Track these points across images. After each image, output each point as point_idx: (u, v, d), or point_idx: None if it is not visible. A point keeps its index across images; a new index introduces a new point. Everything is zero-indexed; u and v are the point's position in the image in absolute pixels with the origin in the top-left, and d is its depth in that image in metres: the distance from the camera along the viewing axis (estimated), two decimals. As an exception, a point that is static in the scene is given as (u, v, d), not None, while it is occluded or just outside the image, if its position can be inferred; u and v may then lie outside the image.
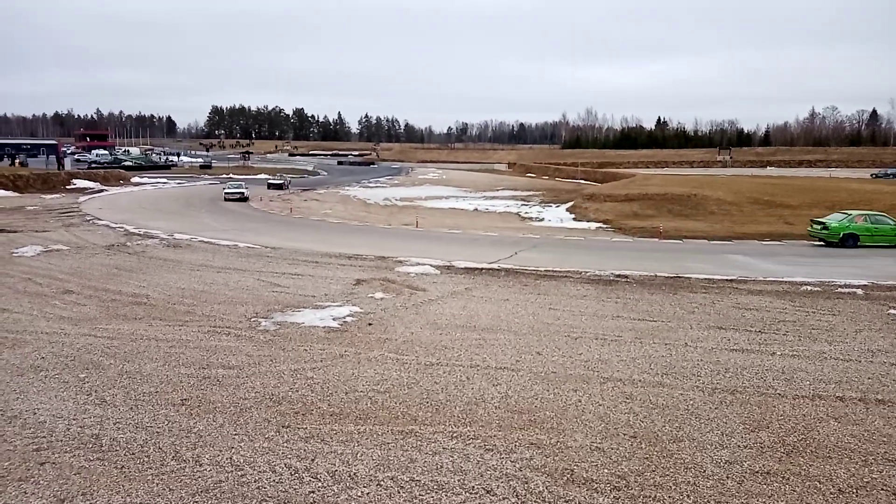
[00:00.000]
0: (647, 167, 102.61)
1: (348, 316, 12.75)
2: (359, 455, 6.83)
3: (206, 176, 69.57)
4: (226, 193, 43.32)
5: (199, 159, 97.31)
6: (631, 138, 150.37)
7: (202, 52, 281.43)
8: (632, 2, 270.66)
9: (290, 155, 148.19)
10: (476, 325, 12.27)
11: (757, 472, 6.54)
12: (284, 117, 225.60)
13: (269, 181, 55.23)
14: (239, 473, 6.39)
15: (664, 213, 34.68)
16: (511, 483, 6.26)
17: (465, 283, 16.42)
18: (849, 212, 26.02)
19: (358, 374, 9.44)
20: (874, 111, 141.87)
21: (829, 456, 6.89)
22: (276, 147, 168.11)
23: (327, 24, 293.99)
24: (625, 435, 7.44)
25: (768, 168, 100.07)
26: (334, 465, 6.59)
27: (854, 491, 6.16)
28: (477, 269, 18.64)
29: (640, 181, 52.83)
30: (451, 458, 6.78)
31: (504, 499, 5.98)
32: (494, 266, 19.14)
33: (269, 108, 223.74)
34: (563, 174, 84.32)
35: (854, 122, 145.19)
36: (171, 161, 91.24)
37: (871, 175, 74.45)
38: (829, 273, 17.99)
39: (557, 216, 37.32)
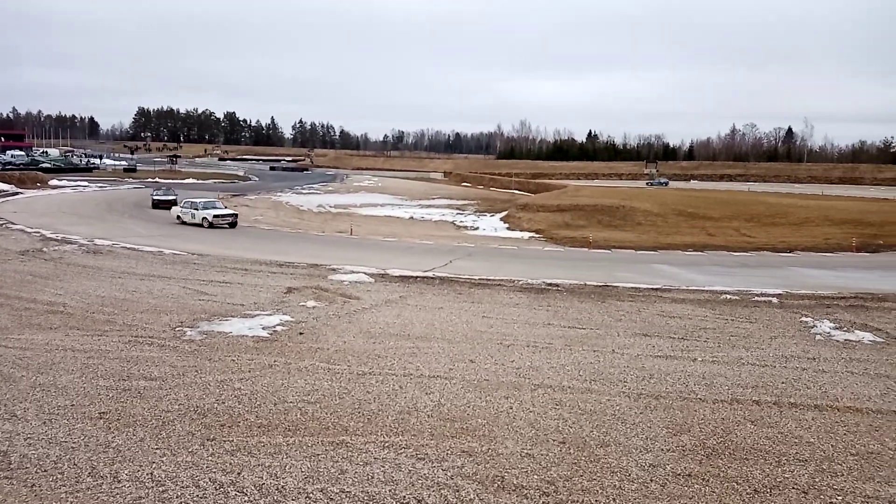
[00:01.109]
0: (579, 179, 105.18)
1: (278, 325, 12.49)
2: (287, 467, 6.69)
3: (131, 179, 66.85)
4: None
5: (123, 162, 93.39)
6: (563, 150, 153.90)
7: (130, 53, 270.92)
8: (566, 18, 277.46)
9: (221, 159, 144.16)
10: (410, 334, 12.24)
11: (679, 474, 6.77)
12: (215, 121, 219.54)
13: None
14: (160, 489, 6.14)
15: (594, 224, 35.60)
16: (442, 492, 6.26)
17: (399, 292, 16.37)
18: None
19: (288, 384, 9.25)
20: (790, 129, 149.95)
21: (745, 458, 7.21)
22: (206, 151, 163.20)
23: (262, 29, 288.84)
24: (554, 441, 7.57)
25: (692, 181, 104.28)
26: (262, 478, 6.43)
27: (768, 490, 6.46)
28: (412, 277, 18.62)
29: (571, 192, 54.13)
30: (382, 469, 6.72)
31: (435, 508, 5.98)
32: (429, 274, 19.17)
33: (200, 111, 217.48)
34: (497, 184, 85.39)
35: (772, 138, 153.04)
36: (93, 163, 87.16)
37: (647, 184, 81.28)
38: (747, 283, 18.86)
39: (492, 225, 37.76)
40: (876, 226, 36.37)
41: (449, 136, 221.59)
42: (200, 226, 30.14)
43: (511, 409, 8.57)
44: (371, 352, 10.95)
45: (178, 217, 31.87)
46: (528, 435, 7.72)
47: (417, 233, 32.73)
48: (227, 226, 30.46)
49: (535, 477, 6.64)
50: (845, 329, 13.19)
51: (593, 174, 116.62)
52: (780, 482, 6.63)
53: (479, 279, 18.61)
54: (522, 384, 9.56)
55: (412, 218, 41.93)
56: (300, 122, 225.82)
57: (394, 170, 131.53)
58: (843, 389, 9.57)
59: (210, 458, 6.85)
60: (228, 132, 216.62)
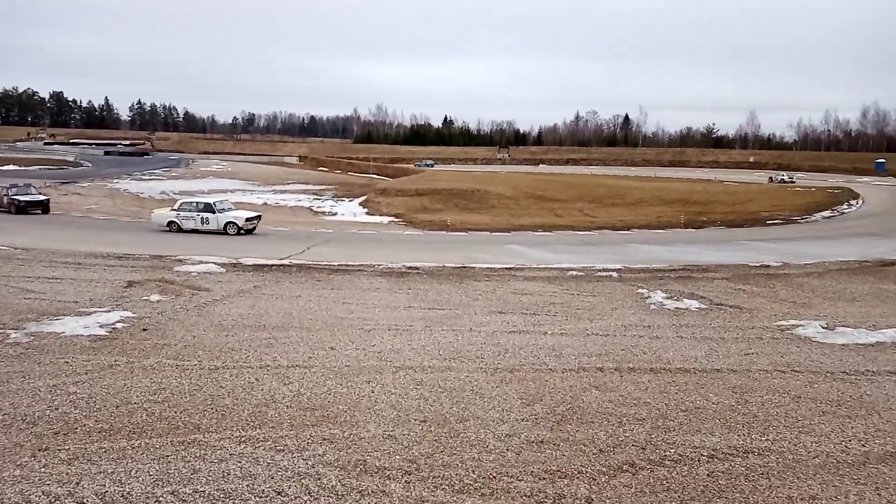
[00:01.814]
0: (436, 163, 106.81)
1: (119, 322, 11.57)
2: (133, 472, 6.23)
3: (-66, 166, 58.78)
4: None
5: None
6: (420, 135, 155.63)
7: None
8: (422, 4, 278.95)
9: (47, 144, 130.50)
10: (266, 324, 11.84)
11: (532, 441, 7.13)
12: (39, 101, 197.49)
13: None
14: (-19, 511, 5.49)
15: (451, 207, 36.41)
16: (303, 481, 6.14)
17: (253, 281, 15.77)
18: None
19: (131, 384, 8.61)
20: (626, 116, 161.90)
21: (591, 421, 7.72)
22: (29, 134, 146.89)
23: (93, 1, 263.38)
24: (416, 420, 7.67)
25: (541, 165, 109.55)
26: (104, 486, 5.94)
27: (611, 449, 6.98)
28: (267, 265, 18.00)
29: (429, 177, 54.88)
30: (238, 464, 6.46)
31: (296, 498, 5.85)
32: (285, 262, 18.64)
33: (20, 90, 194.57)
34: (355, 168, 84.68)
35: (611, 125, 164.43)
36: None
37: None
38: (591, 259, 20.18)
39: (350, 210, 37.42)
40: (701, 204, 40.35)
41: (304, 119, 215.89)
42: (216, 233, 24.79)
43: (373, 392, 8.56)
44: (224, 345, 10.47)
45: (173, 223, 25.51)
46: (389, 417, 7.76)
47: (272, 219, 31.66)
48: (249, 230, 25.42)
49: (398, 457, 6.70)
50: (675, 298, 14.49)
51: (449, 158, 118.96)
52: (622, 441, 7.18)
53: (339, 265, 18.38)
54: (384, 367, 9.58)
55: (266, 204, 40.49)
56: (139, 103, 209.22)
57: (245, 154, 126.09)
58: (674, 353, 10.52)
59: (43, 469, 6.22)
60: (56, 114, 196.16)
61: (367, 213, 35.73)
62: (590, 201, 41.00)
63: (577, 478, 6.35)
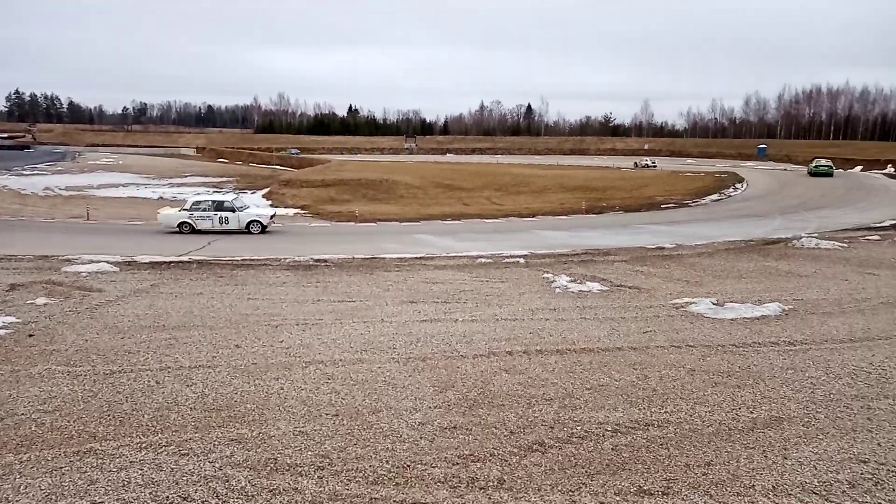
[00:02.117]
0: (342, 153, 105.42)
1: (1, 328, 10.71)
2: (22, 488, 5.81)
3: None
4: None
5: None
6: (325, 124, 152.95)
7: None
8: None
9: None
10: (165, 324, 11.30)
11: (445, 427, 7.20)
12: None
13: None
14: None
15: (359, 198, 36.03)
16: (210, 484, 5.92)
17: (150, 280, 15.01)
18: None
19: (17, 394, 8.00)
20: (529, 106, 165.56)
21: (502, 404, 7.89)
22: None
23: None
24: (327, 415, 7.56)
25: (448, 154, 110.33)
26: (-13, 506, 5.50)
27: (522, 430, 7.16)
28: (164, 262, 17.18)
29: (335, 167, 54.06)
30: (140, 471, 6.15)
31: (203, 502, 5.64)
32: (185, 258, 17.85)
33: None
34: (257, 159, 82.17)
35: (514, 114, 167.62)
36: None
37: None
38: (499, 246, 20.55)
39: (253, 203, 36.25)
40: (600, 190, 41.92)
41: (200, 108, 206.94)
42: (237, 233, 23.28)
43: (282, 389, 8.37)
44: (119, 348, 9.91)
45: (185, 224, 23.54)
46: (300, 413, 7.61)
47: (170, 214, 30.20)
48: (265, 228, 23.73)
49: (310, 453, 6.59)
50: (579, 281, 15.00)
51: (356, 148, 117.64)
52: (531, 421, 7.38)
53: (242, 260, 17.81)
54: (293, 363, 9.38)
55: (162, 198, 38.62)
56: (16, 92, 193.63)
57: (137, 146, 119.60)
58: (579, 334, 10.90)
59: (-87, 494, 5.68)
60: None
61: (271, 205, 34.72)
62: (496, 189, 41.72)
63: (490, 460, 6.47)
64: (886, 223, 27.10)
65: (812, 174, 58.19)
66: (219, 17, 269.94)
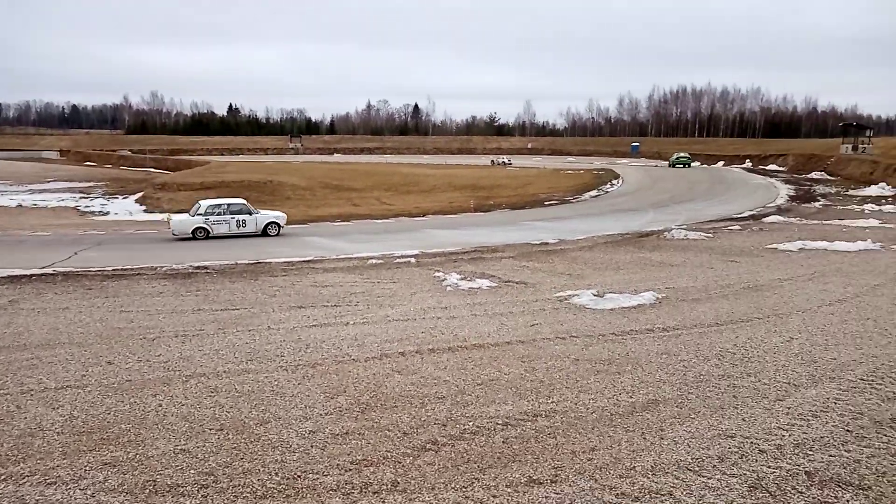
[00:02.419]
0: (223, 154, 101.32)
1: None
2: None
3: None
4: None
5: None
6: (203, 124, 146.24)
7: None
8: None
9: None
10: (27, 343, 10.36)
11: (337, 434, 7.06)
12: None
13: None
14: None
15: (242, 201, 34.74)
16: (80, 515, 5.47)
17: (7, 296, 13.72)
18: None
19: None
20: (416, 105, 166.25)
21: (395, 406, 7.85)
22: None
23: None
24: (211, 430, 7.21)
25: (335, 154, 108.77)
26: None
27: (415, 430, 7.15)
28: (24, 276, 15.76)
29: (216, 168, 51.86)
30: (-3, 508, 5.59)
31: (72, 536, 5.20)
32: (48, 271, 16.46)
33: None
34: (129, 162, 77.43)
35: (402, 114, 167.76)
36: None
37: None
38: (390, 247, 20.47)
39: (126, 208, 34.11)
40: (487, 188, 42.83)
41: (64, 108, 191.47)
42: (253, 236, 23.15)
43: (160, 406, 7.89)
44: (-28, 372, 8.97)
45: (201, 230, 22.78)
46: (181, 430, 7.21)
47: (29, 223, 27.83)
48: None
49: (192, 471, 6.25)
50: (469, 279, 15.22)
51: (237, 149, 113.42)
52: (424, 421, 7.39)
53: (114, 270, 16.66)
54: (172, 378, 8.88)
55: (21, 206, 35.50)
56: None
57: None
58: (469, 330, 11.06)
59: None
60: None
61: (145, 211, 32.79)
62: (386, 189, 41.61)
63: (383, 463, 6.41)
64: (745, 214, 29.52)
65: (672, 165, 66.47)
66: (82, 11, 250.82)
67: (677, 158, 68.27)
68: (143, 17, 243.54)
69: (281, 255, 18.86)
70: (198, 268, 16.99)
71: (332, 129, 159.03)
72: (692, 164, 66.90)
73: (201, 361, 9.54)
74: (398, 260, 18.19)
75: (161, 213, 31.30)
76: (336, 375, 8.93)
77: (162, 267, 17.00)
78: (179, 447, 6.78)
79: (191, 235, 22.91)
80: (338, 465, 6.39)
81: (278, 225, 24.00)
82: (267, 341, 10.53)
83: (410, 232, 24.73)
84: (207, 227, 23.13)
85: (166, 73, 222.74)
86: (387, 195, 39.05)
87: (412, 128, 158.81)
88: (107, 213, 32.31)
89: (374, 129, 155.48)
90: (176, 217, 24.08)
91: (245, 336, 10.82)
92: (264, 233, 23.65)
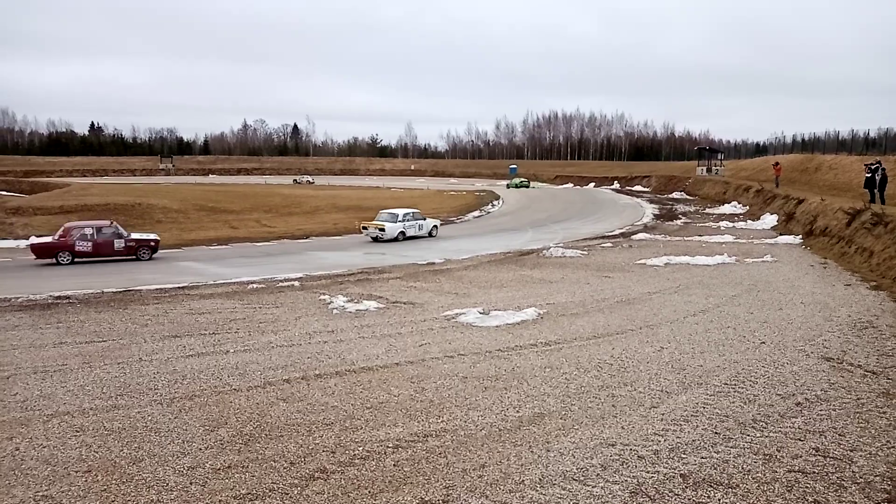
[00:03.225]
0: (85, 175, 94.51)
1: None
2: None
3: None
4: None
5: None
6: (62, 144, 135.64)
7: None
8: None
9: None
10: None
11: (219, 468, 6.70)
12: None
13: None
14: None
15: (108, 225, 32.47)
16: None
17: None
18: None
19: None
20: (296, 125, 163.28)
21: (280, 435, 7.57)
22: None
23: None
24: (77, 472, 6.62)
25: (211, 176, 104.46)
26: None
27: (302, 459, 6.93)
28: None
29: (77, 191, 48.27)
30: None
31: None
32: None
33: None
34: (-25, 185, 70.27)
35: (281, 134, 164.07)
36: None
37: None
38: (271, 270, 19.87)
39: (-28, 235, 30.79)
40: (373, 210, 42.71)
41: None
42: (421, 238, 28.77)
43: (17, 450, 7.16)
44: None
45: (402, 233, 28.18)
46: (42, 474, 6.56)
47: None
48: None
49: (55, 522, 5.69)
50: (356, 301, 15.06)
51: (101, 170, 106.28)
52: (312, 449, 7.18)
53: (-42, 302, 14.99)
54: (31, 418, 8.09)
55: None
56: None
57: None
58: (357, 353, 10.92)
59: None
60: None
61: (-3, 238, 29.85)
62: (266, 211, 40.42)
63: (269, 496, 6.16)
64: (616, 232, 31.35)
65: (509, 187, 73.66)
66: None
67: (520, 183, 75.93)
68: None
69: (153, 282, 17.78)
70: (58, 298, 15.65)
71: (207, 149, 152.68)
72: (531, 186, 75.36)
73: (64, 399, 8.76)
74: (281, 284, 17.68)
75: (15, 239, 28.59)
76: (216, 407, 8.50)
77: (17, 298, 15.50)
78: (41, 493, 6.17)
79: (396, 238, 27.83)
80: (220, 501, 6.06)
81: (437, 228, 29.96)
82: (138, 374, 9.85)
83: (293, 255, 24.15)
84: (405, 231, 28.27)
85: (17, 88, 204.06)
86: (267, 217, 37.94)
87: (292, 148, 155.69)
88: (-52, 241, 29.03)
89: (251, 149, 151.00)
90: (390, 225, 28.01)
91: (114, 370, 10.07)
92: (430, 235, 29.37)
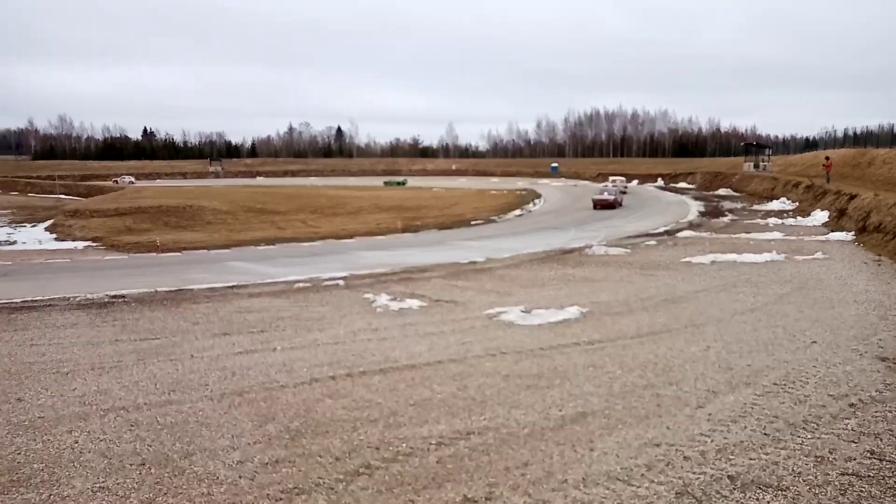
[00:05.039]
0: (139, 179, 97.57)
1: None
2: None
3: None
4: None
5: None
6: (117, 149, 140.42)
7: None
8: (84, 4, 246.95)
9: None
10: (-78, 383, 9.60)
11: (267, 463, 6.88)
12: None
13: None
14: None
15: (160, 226, 33.49)
16: (-12, 566, 5.10)
17: None
18: None
19: None
20: (339, 128, 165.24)
21: (326, 431, 7.72)
22: None
23: None
24: (132, 465, 6.88)
25: (258, 178, 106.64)
26: None
27: (347, 455, 7.05)
28: (-81, 311, 14.62)
29: (131, 194, 49.92)
30: None
31: (-22, 588, 4.84)
32: (-54, 304, 15.34)
33: None
34: (37, 189, 73.48)
35: (325, 136, 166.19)
36: None
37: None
38: (317, 270, 20.19)
39: (35, 237, 32.24)
40: (414, 209, 42.99)
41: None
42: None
43: (76, 443, 7.47)
44: None
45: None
46: (100, 467, 6.85)
47: (-75, 255, 25.85)
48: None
49: (113, 511, 5.94)
50: (399, 299, 15.20)
51: (155, 174, 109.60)
52: (357, 445, 7.30)
53: (23, 302, 15.71)
54: (89, 413, 8.43)
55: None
56: None
57: None
58: (401, 351, 11.03)
59: None
60: None
61: (56, 239, 31.05)
62: (312, 212, 41.06)
63: (315, 491, 6.29)
64: (661, 230, 30.82)
65: (386, 184, 79.16)
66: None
67: (398, 182, 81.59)
68: (41, 39, 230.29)
69: (203, 282, 18.28)
70: (114, 297, 16.24)
71: (254, 152, 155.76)
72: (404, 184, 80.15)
73: (120, 394, 9.11)
74: (326, 283, 17.96)
75: (73, 241, 29.80)
76: (264, 403, 8.71)
77: (75, 297, 16.14)
78: (98, 485, 6.44)
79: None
80: (268, 494, 6.22)
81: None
82: (190, 370, 10.17)
83: (338, 254, 24.49)
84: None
85: (73, 95, 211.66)
86: (313, 217, 38.54)
87: (336, 150, 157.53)
88: (13, 243, 30.42)
89: (297, 151, 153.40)
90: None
91: (167, 366, 10.41)
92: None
